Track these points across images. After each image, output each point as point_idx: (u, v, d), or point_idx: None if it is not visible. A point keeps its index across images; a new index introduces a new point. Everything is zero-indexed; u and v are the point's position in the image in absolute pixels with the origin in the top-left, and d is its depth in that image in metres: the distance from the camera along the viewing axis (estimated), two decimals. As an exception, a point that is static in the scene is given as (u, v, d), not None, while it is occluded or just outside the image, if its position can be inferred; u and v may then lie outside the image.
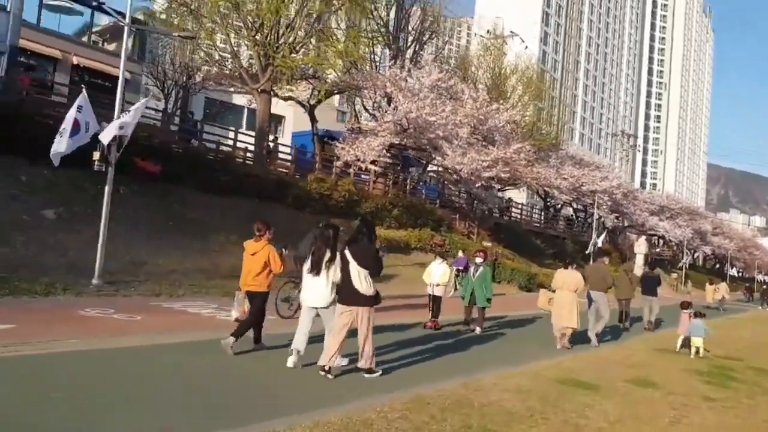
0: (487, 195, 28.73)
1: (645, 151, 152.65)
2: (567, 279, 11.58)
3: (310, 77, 26.02)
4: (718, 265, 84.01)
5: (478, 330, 12.39)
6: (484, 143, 26.49)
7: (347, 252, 7.15)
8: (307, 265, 7.41)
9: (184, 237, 17.11)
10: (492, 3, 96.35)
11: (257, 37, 23.34)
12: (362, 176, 28.61)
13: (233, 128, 28.06)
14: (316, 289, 7.30)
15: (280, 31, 23.49)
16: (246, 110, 35.86)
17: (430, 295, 13.01)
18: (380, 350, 8.12)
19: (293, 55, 23.33)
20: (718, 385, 9.07)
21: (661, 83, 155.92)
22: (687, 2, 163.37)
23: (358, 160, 23.30)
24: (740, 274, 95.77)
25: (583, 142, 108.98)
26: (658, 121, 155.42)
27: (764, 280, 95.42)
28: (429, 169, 29.97)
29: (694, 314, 13.02)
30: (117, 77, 15.96)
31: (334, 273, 7.21)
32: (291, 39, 23.56)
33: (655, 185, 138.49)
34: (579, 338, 11.96)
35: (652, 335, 15.72)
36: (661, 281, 28.42)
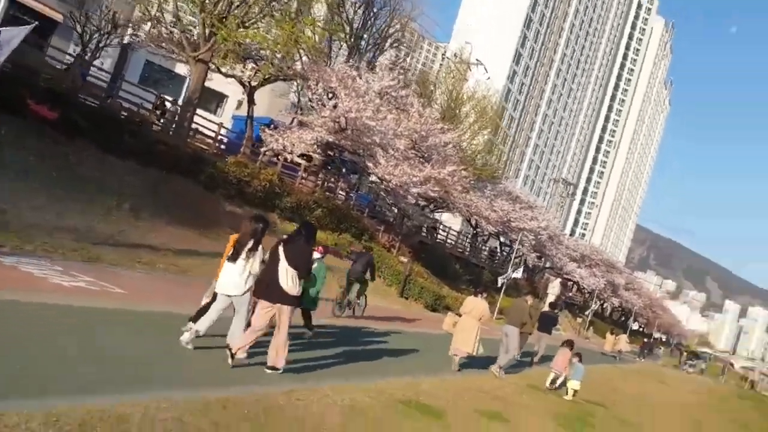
0: (414, 212, 28.35)
1: (582, 202, 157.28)
2: (475, 306, 11.92)
3: (256, 58, 25.08)
4: (623, 318, 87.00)
5: (309, 334, 10.55)
6: (421, 159, 26.15)
7: (280, 249, 7.11)
8: (229, 253, 7.40)
9: (67, 193, 15.71)
10: (468, 32, 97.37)
11: (206, 2, 22.34)
12: (297, 172, 27.86)
13: (160, 94, 26.58)
14: (231, 277, 7.27)
15: (234, 3, 22.62)
16: (188, 80, 34.59)
17: None
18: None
19: (240, 30, 22.44)
20: (569, 430, 8.77)
21: (611, 142, 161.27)
22: (652, 71, 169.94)
23: (285, 150, 22.48)
24: (641, 329, 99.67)
25: (526, 183, 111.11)
26: (600, 177, 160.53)
27: (661, 338, 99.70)
28: (371, 179, 29.44)
29: (575, 355, 12.89)
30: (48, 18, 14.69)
31: (252, 264, 7.22)
32: (243, 13, 22.69)
33: (584, 235, 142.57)
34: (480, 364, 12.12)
35: (531, 370, 15.60)
36: (557, 322, 29.00)
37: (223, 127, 28.07)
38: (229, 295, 7.35)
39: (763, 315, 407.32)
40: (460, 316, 12.13)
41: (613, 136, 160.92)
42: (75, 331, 6.89)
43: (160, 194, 19.55)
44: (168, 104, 24.87)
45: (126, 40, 27.77)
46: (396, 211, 28.76)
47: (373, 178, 26.74)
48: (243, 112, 35.12)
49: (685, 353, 62.29)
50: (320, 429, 5.58)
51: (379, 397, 7.42)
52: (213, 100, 40.70)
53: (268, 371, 7.15)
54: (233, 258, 7.23)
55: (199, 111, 28.22)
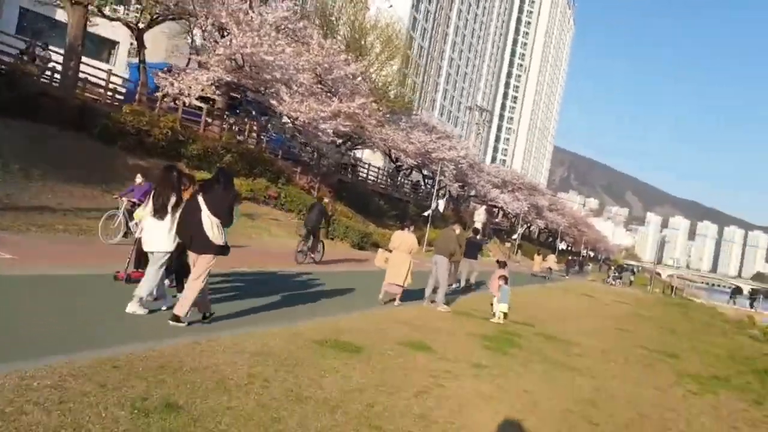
0: (328, 149, 27.47)
1: (499, 128, 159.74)
2: (403, 240, 11.96)
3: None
4: (551, 239, 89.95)
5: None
6: (328, 94, 25.12)
7: (200, 199, 6.77)
8: (149, 209, 7.14)
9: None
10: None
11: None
12: (201, 117, 26.33)
13: (34, 40, 24.17)
14: (160, 234, 7.06)
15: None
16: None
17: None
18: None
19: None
20: (496, 351, 8.56)
21: (521, 65, 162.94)
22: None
23: (182, 94, 20.99)
24: (569, 248, 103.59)
25: (443, 113, 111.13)
26: (515, 102, 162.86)
27: (589, 254, 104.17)
28: (283, 120, 28.11)
29: (501, 278, 12.89)
30: None
31: (177, 218, 7.00)
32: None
33: (504, 161, 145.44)
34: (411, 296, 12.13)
35: (465, 297, 15.57)
36: (482, 247, 29.43)
37: (115, 74, 26.08)
38: (156, 251, 7.12)
39: (684, 224, 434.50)
40: (390, 251, 12.15)
41: (522, 60, 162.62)
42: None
43: (51, 151, 18.05)
44: (40, 50, 22.53)
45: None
46: (310, 150, 27.75)
47: (283, 118, 25.57)
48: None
49: (611, 267, 65.01)
50: (225, 380, 4.96)
51: (292, 339, 6.86)
52: (103, 47, 37.76)
53: (172, 323, 6.73)
54: (160, 214, 7.00)
55: (89, 60, 26.05)
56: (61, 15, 31.62)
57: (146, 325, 6.64)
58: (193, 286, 6.78)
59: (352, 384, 5.58)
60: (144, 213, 7.42)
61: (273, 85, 21.71)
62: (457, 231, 13.82)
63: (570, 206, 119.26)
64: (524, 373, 7.51)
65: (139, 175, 13.10)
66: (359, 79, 28.68)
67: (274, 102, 22.27)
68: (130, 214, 12.61)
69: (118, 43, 36.88)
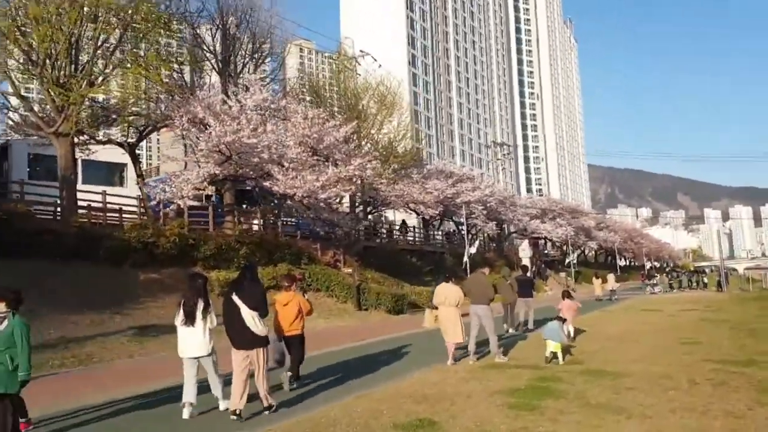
0: (340, 219, 26.55)
1: (527, 160, 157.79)
2: (448, 294, 11.27)
3: (116, 114, 23.04)
4: (610, 258, 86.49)
5: None
6: (326, 163, 24.38)
7: (234, 298, 7.21)
8: (179, 318, 7.39)
9: None
10: (355, 28, 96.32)
11: (44, 73, 20.24)
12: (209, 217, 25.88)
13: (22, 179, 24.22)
14: (194, 339, 7.33)
15: (75, 65, 20.62)
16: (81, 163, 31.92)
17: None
18: None
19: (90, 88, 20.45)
20: (522, 409, 7.06)
21: (533, 93, 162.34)
22: (548, 17, 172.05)
23: (175, 197, 20.49)
24: (631, 263, 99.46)
25: (464, 158, 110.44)
26: (535, 130, 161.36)
27: (654, 265, 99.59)
28: (288, 203, 27.49)
29: (557, 317, 12.00)
30: None
31: (210, 321, 7.35)
32: (88, 73, 20.63)
33: (541, 191, 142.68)
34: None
35: (517, 342, 14.40)
36: (534, 283, 27.83)
37: (116, 195, 25.82)
38: (196, 357, 7.40)
39: (746, 211, 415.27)
40: (436, 308, 11.54)
41: (532, 88, 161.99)
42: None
43: (54, 285, 17.48)
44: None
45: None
46: (321, 223, 26.92)
47: (288, 200, 24.90)
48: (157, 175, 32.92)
49: (656, 275, 60.92)
50: None
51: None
52: (113, 172, 38.27)
53: (267, 413, 7.33)
54: (190, 322, 7.28)
55: (112, 189, 26.03)
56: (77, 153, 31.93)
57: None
58: (262, 377, 7.31)
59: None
60: (176, 322, 7.59)
61: (263, 167, 21.06)
62: (486, 272, 12.71)
63: (622, 221, 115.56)
64: (553, 432, 6.01)
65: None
66: (354, 142, 28.04)
67: (267, 183, 21.57)
68: None
69: (126, 165, 37.28)
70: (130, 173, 38.60)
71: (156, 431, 7.16)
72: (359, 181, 30.56)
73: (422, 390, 8.39)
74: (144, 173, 26.21)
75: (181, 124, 20.12)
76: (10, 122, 25.05)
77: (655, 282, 45.48)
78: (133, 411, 8.09)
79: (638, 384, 8.52)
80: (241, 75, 27.94)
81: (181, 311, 7.40)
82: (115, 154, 32.96)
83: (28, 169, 33.30)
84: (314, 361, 11.82)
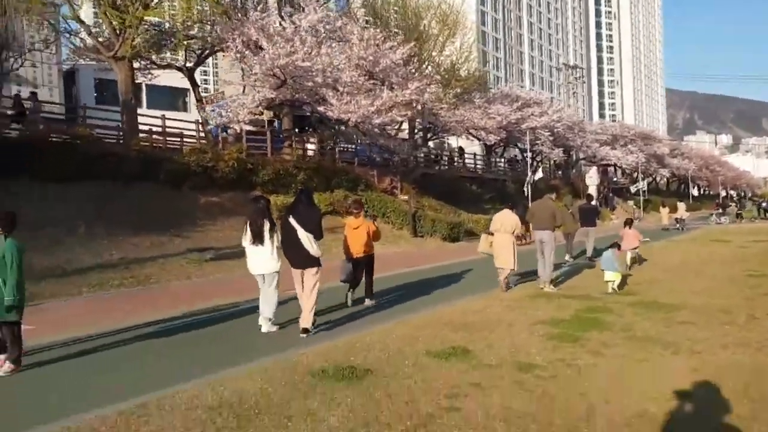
0: (396, 145, 26.08)
1: (600, 83, 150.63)
2: (504, 221, 11.31)
3: (172, 37, 22.96)
4: (683, 186, 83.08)
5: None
6: (382, 87, 23.71)
7: (291, 219, 7.54)
8: (247, 238, 7.72)
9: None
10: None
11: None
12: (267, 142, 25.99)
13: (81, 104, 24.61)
14: (263, 257, 7.66)
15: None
16: (145, 88, 32.25)
17: None
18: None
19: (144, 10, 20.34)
20: (563, 340, 6.76)
21: (610, 12, 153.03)
22: None
23: (232, 121, 20.50)
24: (705, 192, 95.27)
25: (534, 81, 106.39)
26: (611, 53, 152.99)
27: (729, 194, 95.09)
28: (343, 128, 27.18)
29: (612, 245, 11.78)
30: None
31: (277, 239, 7.63)
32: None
33: (614, 116, 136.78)
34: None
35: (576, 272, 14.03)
36: (599, 212, 26.87)
37: (176, 119, 26.11)
38: (266, 274, 7.74)
39: None
40: (492, 234, 11.57)
41: (609, 6, 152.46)
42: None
43: (116, 207, 18.02)
44: (28, 102, 22.34)
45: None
46: (377, 149, 26.55)
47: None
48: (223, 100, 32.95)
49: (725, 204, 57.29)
50: None
51: (286, 371, 5.54)
52: (177, 97, 38.73)
53: (303, 335, 7.47)
54: (258, 241, 7.59)
55: (171, 114, 26.39)
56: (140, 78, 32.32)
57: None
58: (311, 298, 7.54)
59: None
60: (244, 241, 7.87)
61: (317, 91, 20.68)
62: (553, 197, 12.33)
63: (698, 147, 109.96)
64: (591, 367, 5.71)
65: None
66: (414, 65, 27.10)
67: (321, 108, 21.23)
68: None
69: (188, 90, 37.62)
70: (193, 98, 39.13)
71: (193, 347, 7.31)
72: (418, 106, 29.82)
73: (463, 318, 8.19)
74: (208, 99, 26.25)
75: (235, 46, 19.82)
76: (72, 47, 25.34)
77: (721, 212, 43.20)
78: (183, 331, 8.29)
79: (692, 317, 8.03)
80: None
81: (249, 231, 7.69)
82: (179, 79, 33.22)
83: (95, 94, 34.07)
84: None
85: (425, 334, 7.17)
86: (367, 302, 9.83)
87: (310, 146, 28.03)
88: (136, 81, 31.42)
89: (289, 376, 5.47)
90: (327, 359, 6.02)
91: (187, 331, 8.16)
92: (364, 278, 9.95)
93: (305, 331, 7.50)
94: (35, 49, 26.21)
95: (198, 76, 28.31)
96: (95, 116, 24.63)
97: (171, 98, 37.35)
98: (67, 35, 23.78)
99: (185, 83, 36.07)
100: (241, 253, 16.75)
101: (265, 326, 7.84)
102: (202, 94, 27.07)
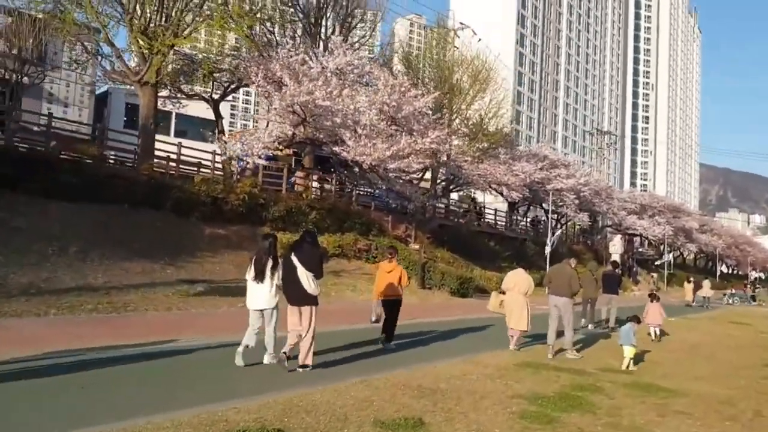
0: (412, 192, 25.62)
1: (634, 152, 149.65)
2: (518, 280, 11.33)
3: (200, 67, 23.10)
4: (710, 263, 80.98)
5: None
6: (404, 133, 23.43)
7: (293, 257, 7.75)
8: (251, 273, 8.01)
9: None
10: (465, 2, 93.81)
11: (134, 21, 20.46)
12: (282, 178, 25.80)
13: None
14: (261, 294, 7.95)
15: (163, 14, 20.77)
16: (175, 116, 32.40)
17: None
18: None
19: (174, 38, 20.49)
20: (535, 421, 6.01)
21: (647, 83, 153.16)
22: (671, 3, 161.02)
23: (247, 154, 20.30)
24: (733, 271, 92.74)
25: (566, 144, 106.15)
26: (647, 122, 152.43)
27: (758, 276, 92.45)
28: (356, 170, 26.88)
29: (630, 318, 11.13)
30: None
31: (277, 278, 7.90)
32: (176, 21, 20.69)
33: (645, 186, 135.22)
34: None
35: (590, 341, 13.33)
36: (621, 280, 26.02)
37: (196, 149, 26.11)
38: (262, 310, 8.01)
39: None
40: (503, 293, 11.59)
41: (647, 77, 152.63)
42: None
43: (117, 230, 17.68)
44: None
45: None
46: (394, 195, 26.13)
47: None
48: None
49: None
50: None
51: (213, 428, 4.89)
52: (207, 129, 39.02)
53: (300, 370, 7.72)
54: (259, 278, 7.87)
55: (194, 144, 26.43)
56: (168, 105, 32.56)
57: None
58: (309, 335, 7.73)
59: None
60: (247, 277, 8.14)
61: (336, 131, 20.44)
62: (573, 265, 11.67)
63: (729, 225, 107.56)
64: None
65: None
66: (440, 115, 26.86)
67: (336, 149, 20.94)
68: None
69: (219, 120, 37.90)
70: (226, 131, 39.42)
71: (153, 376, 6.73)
72: (443, 157, 29.44)
73: (435, 383, 7.45)
74: (237, 132, 26.33)
75: (257, 80, 19.75)
76: (103, 69, 25.65)
77: (733, 292, 41.84)
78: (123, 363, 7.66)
79: (691, 407, 7.21)
80: (330, 38, 27.40)
81: (253, 268, 8.00)
82: (205, 111, 33.44)
83: (125, 118, 34.51)
84: (349, 335, 11.23)
85: (383, 398, 6.46)
86: (387, 345, 10.29)
87: (328, 187, 27.76)
88: (165, 108, 31.86)
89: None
90: (257, 418, 5.32)
91: (126, 364, 7.55)
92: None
93: (304, 366, 7.77)
94: (59, 67, 26.57)
95: (228, 110, 28.49)
96: (118, 139, 24.76)
97: (200, 128, 37.73)
98: (99, 57, 24.06)
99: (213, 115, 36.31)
100: (232, 289, 16.52)
101: (267, 359, 8.14)
102: (231, 128, 27.13)
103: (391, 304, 10.36)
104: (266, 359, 8.11)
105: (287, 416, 5.49)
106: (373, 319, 10.67)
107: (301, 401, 6.05)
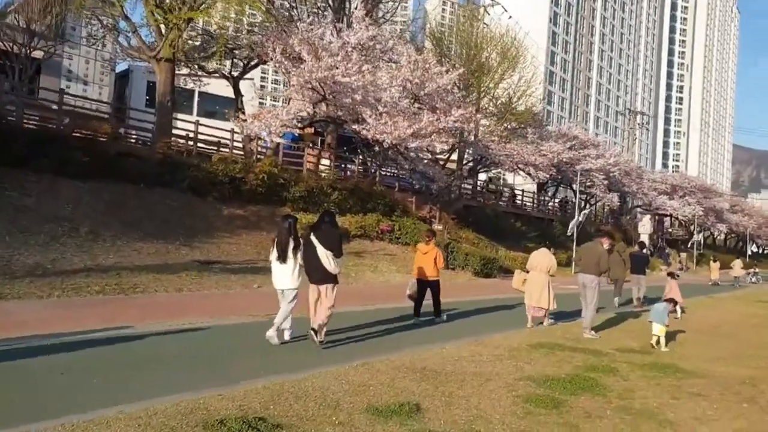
0: (435, 173, 25.11)
1: (666, 133, 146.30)
2: (541, 260, 11.53)
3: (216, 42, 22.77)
4: (740, 243, 79.57)
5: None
6: (428, 110, 22.86)
7: (313, 237, 7.90)
8: (273, 254, 8.18)
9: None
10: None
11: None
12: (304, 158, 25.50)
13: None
14: (285, 274, 8.11)
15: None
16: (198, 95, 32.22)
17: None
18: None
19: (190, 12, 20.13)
20: (542, 405, 5.61)
21: (682, 64, 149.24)
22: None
23: (266, 133, 19.99)
24: (763, 251, 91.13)
25: (598, 125, 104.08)
26: (680, 103, 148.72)
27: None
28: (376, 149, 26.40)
29: (667, 299, 11.61)
30: None
31: (299, 258, 8.04)
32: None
33: (677, 166, 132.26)
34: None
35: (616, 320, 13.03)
36: (649, 260, 25.34)
37: (216, 127, 25.91)
38: (285, 290, 8.17)
39: None
40: (527, 272, 11.78)
41: (682, 57, 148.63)
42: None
43: (131, 210, 17.47)
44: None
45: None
46: (419, 176, 25.64)
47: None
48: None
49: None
50: None
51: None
52: (229, 108, 38.85)
53: (310, 332, 7.96)
54: (282, 259, 8.04)
55: (214, 122, 26.24)
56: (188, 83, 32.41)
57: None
58: (329, 312, 7.89)
59: None
60: (271, 258, 8.31)
61: (356, 109, 19.98)
62: (606, 245, 11.26)
63: (760, 206, 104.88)
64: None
65: None
66: (466, 92, 26.21)
67: (358, 127, 20.49)
68: None
69: (239, 99, 37.66)
70: (247, 108, 39.22)
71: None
72: (470, 137, 28.78)
73: (440, 365, 7.06)
74: (260, 111, 26.00)
75: (275, 56, 19.36)
76: (120, 45, 25.47)
77: (756, 271, 40.46)
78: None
79: (707, 389, 6.73)
80: (353, 13, 26.85)
81: (275, 249, 8.15)
82: (227, 90, 33.21)
83: (147, 97, 34.46)
84: (362, 315, 10.98)
85: (382, 382, 6.08)
86: (437, 319, 11.16)
87: (350, 167, 27.39)
88: (187, 87, 31.70)
89: (175, 427, 4.46)
90: (241, 406, 4.96)
91: (112, 347, 7.30)
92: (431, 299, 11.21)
93: (315, 331, 7.91)
94: (76, 43, 26.42)
95: (255, 87, 28.15)
96: (138, 118, 24.64)
97: (222, 107, 37.56)
98: (116, 33, 23.85)
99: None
100: (248, 269, 16.24)
101: (274, 336, 8.11)
102: (261, 105, 26.87)
103: (427, 284, 11.05)
104: (269, 333, 8.11)
105: (273, 403, 5.13)
106: (408, 293, 11.38)
107: (292, 387, 5.68)
